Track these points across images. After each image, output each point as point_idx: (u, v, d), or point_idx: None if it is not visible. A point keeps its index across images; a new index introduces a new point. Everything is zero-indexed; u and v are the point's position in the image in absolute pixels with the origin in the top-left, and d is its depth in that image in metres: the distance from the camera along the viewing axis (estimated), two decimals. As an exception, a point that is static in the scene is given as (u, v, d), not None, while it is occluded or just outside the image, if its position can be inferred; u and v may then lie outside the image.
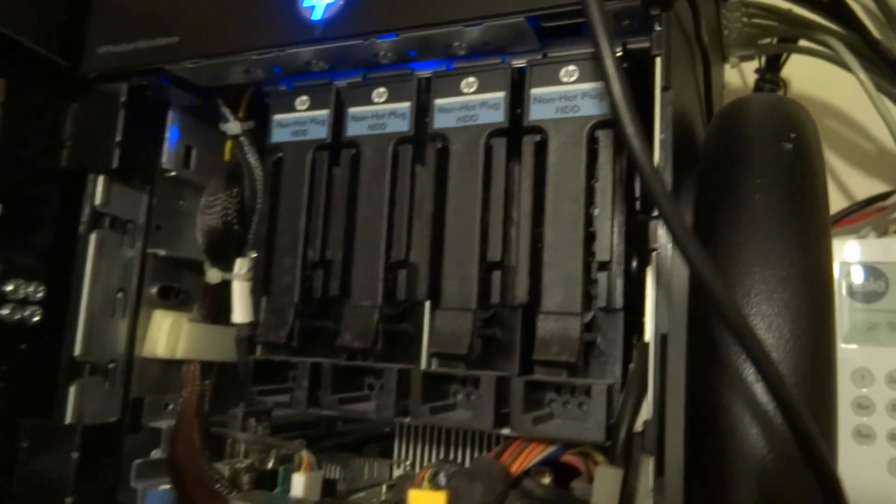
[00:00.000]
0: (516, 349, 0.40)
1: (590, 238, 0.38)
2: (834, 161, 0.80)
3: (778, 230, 0.30)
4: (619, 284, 0.38)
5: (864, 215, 0.66)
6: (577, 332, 0.36)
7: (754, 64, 0.78)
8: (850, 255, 0.49)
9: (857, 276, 0.50)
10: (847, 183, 0.79)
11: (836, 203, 0.62)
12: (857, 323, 0.49)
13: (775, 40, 0.74)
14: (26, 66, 0.45)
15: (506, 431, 0.38)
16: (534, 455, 0.40)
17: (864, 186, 0.77)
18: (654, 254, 0.33)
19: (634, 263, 0.39)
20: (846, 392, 0.47)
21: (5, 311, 0.43)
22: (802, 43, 0.72)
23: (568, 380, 0.37)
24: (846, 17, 0.64)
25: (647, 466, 0.32)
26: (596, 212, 0.38)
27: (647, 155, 0.24)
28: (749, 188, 0.31)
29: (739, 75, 0.84)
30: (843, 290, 0.49)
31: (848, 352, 0.48)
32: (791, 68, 0.77)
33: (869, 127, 0.80)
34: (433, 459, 0.51)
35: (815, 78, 0.79)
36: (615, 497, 0.33)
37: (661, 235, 0.33)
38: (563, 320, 0.36)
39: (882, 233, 0.62)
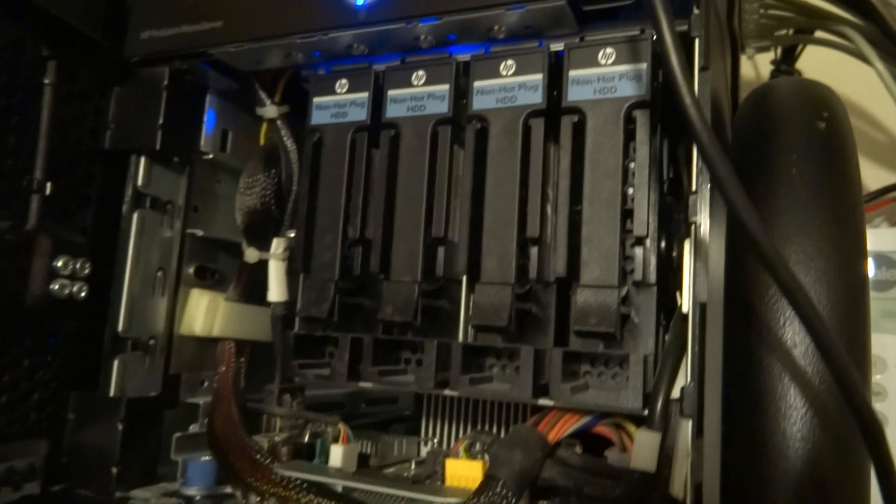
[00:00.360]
0: (551, 324, 0.41)
1: (625, 215, 0.39)
2: (848, 151, 0.81)
3: (814, 203, 0.32)
4: (652, 260, 0.39)
5: (876, 205, 0.67)
6: (615, 304, 0.37)
7: (768, 56, 0.79)
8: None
9: (870, 266, 0.51)
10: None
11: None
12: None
13: (791, 31, 0.75)
14: (73, 49, 0.46)
15: (544, 402, 0.40)
16: (569, 425, 0.41)
17: (877, 177, 0.78)
18: (692, 226, 0.34)
19: (663, 243, 0.40)
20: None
21: (56, 286, 0.44)
22: (819, 34, 0.73)
23: (606, 351, 0.38)
24: (864, 8, 0.65)
25: (686, 429, 0.34)
26: (630, 190, 0.39)
27: (705, 123, 0.25)
28: (785, 163, 0.33)
29: (753, 67, 0.85)
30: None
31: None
32: (803, 60, 0.78)
33: (881, 118, 0.82)
34: (459, 437, 0.52)
35: (826, 69, 0.80)
36: (654, 459, 0.35)
37: (700, 209, 0.34)
38: (601, 293, 0.38)
39: (895, 223, 0.63)
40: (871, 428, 0.24)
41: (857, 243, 0.31)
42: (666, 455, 0.35)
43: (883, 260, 0.52)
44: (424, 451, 0.53)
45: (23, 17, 0.43)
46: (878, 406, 0.49)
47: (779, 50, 0.77)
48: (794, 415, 0.29)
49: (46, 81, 0.44)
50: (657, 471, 0.35)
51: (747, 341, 0.31)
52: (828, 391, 0.29)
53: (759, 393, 0.30)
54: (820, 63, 0.78)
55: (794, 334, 0.30)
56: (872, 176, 0.79)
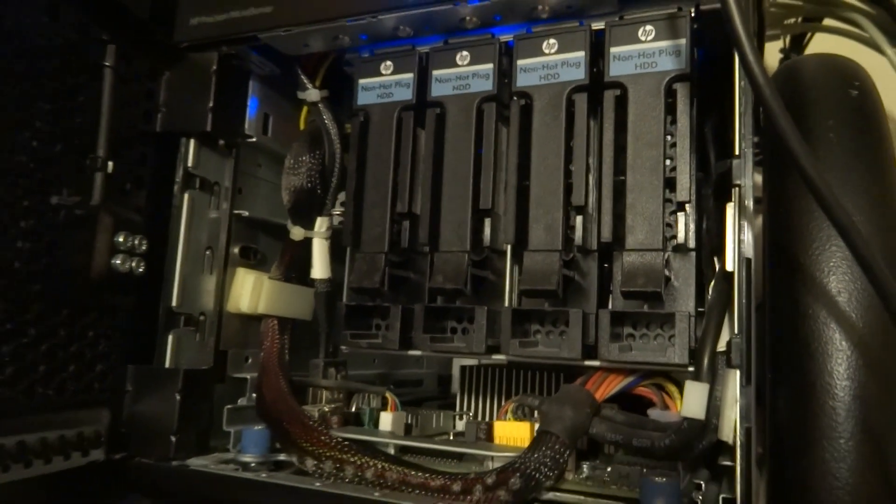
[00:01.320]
0: (593, 291, 0.44)
1: (665, 184, 0.41)
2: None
3: (852, 162, 0.34)
4: (692, 226, 0.41)
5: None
6: (661, 265, 0.39)
7: (777, 45, 0.81)
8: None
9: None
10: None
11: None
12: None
13: (800, 20, 0.77)
14: (128, 34, 0.48)
15: (591, 363, 0.42)
16: (614, 384, 0.43)
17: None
18: (737, 188, 0.36)
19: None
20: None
21: (117, 261, 0.46)
22: (828, 22, 0.75)
23: (652, 310, 0.40)
24: (874, -5, 0.67)
25: (734, 379, 0.36)
26: (668, 162, 0.41)
27: (766, 75, 0.28)
28: (824, 128, 0.35)
29: (760, 57, 0.87)
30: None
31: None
32: (811, 49, 0.81)
33: (891, 105, 0.84)
34: (490, 411, 0.54)
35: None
36: (703, 408, 0.37)
37: (744, 172, 0.36)
38: (646, 255, 0.40)
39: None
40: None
41: (890, 196, 0.33)
42: (714, 404, 0.37)
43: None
44: (460, 424, 0.55)
45: (86, 1, 0.45)
46: None
47: (787, 38, 0.80)
48: (840, 356, 0.31)
49: (107, 64, 0.46)
50: (706, 419, 0.37)
51: (793, 292, 0.33)
52: (871, 334, 0.31)
53: (807, 338, 0.32)
54: (828, 51, 0.81)
55: (837, 282, 0.32)
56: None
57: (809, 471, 0.31)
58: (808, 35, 0.79)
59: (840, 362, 0.31)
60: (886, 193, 0.33)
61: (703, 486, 0.40)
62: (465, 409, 0.56)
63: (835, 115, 0.36)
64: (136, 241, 0.48)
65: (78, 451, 0.44)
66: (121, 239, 0.46)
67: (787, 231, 0.35)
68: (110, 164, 0.46)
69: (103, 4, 0.46)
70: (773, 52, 0.81)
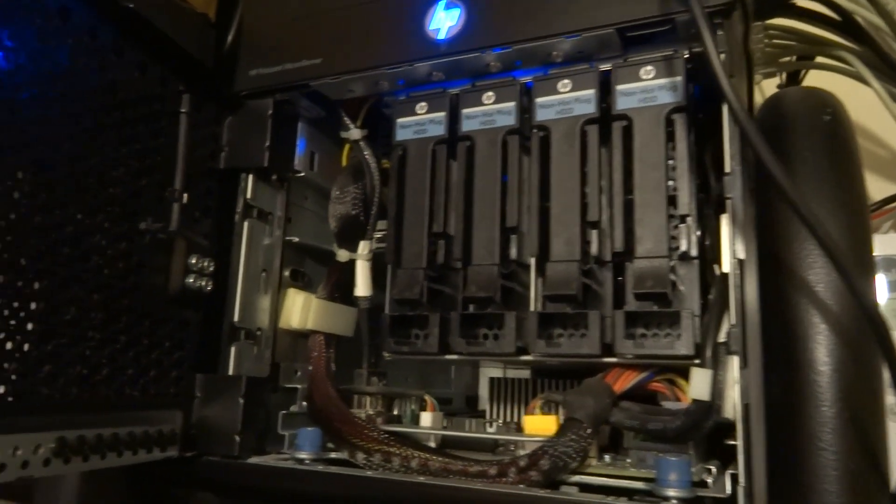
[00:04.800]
0: (608, 296, 0.49)
1: (669, 201, 0.47)
2: (852, 162, 0.89)
3: (824, 175, 0.40)
4: (693, 236, 0.47)
5: (881, 213, 0.76)
6: (667, 270, 0.45)
7: (774, 81, 0.88)
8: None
9: (880, 269, 0.58)
10: (864, 185, 0.88)
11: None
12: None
13: (794, 58, 0.84)
14: (199, 84, 0.56)
15: (608, 360, 0.48)
16: (631, 379, 0.49)
17: (880, 188, 0.85)
18: (729, 201, 0.43)
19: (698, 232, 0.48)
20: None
21: (190, 280, 0.53)
22: (819, 59, 0.82)
23: (660, 309, 0.46)
24: (858, 34, 0.73)
25: (733, 364, 0.41)
26: (671, 183, 0.48)
27: (741, 101, 0.34)
28: (800, 147, 0.41)
29: (759, 92, 0.94)
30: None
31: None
32: (806, 84, 0.87)
33: (881, 134, 0.90)
34: (516, 418, 0.60)
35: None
36: (708, 390, 0.42)
37: (734, 186, 0.43)
38: (654, 262, 0.46)
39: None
40: (878, 324, 0.32)
41: (857, 202, 0.39)
42: (718, 387, 0.42)
43: (892, 263, 0.59)
44: (490, 430, 0.60)
45: (168, 58, 0.53)
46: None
47: (784, 75, 0.86)
48: (820, 336, 0.37)
49: (183, 110, 0.53)
50: (711, 400, 0.42)
51: (779, 285, 0.39)
52: (845, 316, 0.37)
53: (792, 323, 0.38)
54: (822, 86, 0.87)
55: (815, 275, 0.38)
56: (876, 188, 0.87)
57: (798, 436, 0.36)
58: (803, 72, 0.85)
59: (820, 342, 0.37)
60: (853, 201, 0.39)
61: (713, 469, 0.45)
62: (493, 417, 0.62)
63: (809, 137, 0.42)
64: (205, 263, 0.54)
65: (158, 446, 0.50)
66: (193, 261, 0.53)
67: (773, 235, 0.41)
68: (185, 195, 0.53)
69: (180, 60, 0.54)
70: (771, 88, 0.87)
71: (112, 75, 0.48)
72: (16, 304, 0.40)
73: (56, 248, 0.43)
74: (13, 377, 0.40)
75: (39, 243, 0.42)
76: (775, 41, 0.81)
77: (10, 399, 0.40)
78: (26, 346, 0.41)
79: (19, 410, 0.40)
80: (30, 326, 0.41)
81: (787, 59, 0.84)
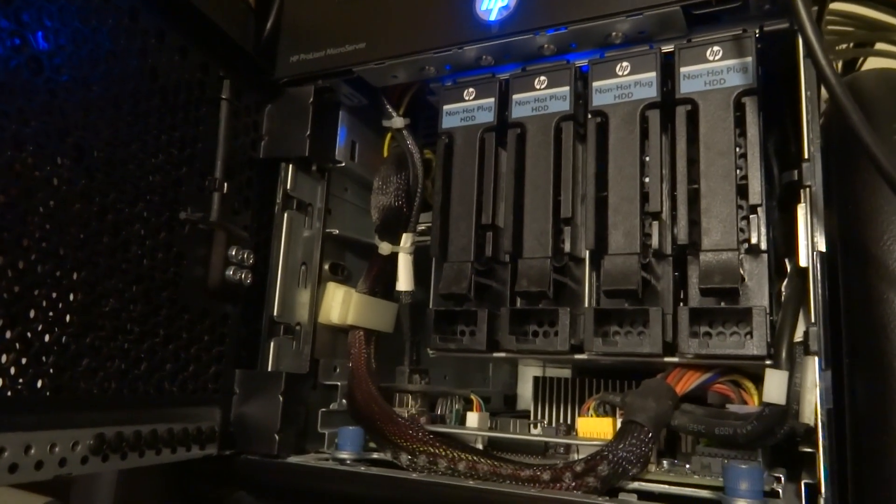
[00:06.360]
0: (668, 292, 0.46)
1: (738, 189, 0.44)
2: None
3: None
4: (764, 228, 0.44)
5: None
6: (736, 263, 0.42)
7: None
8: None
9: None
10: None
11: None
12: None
13: (852, 45, 0.80)
14: (240, 71, 0.54)
15: (670, 359, 0.45)
16: (693, 380, 0.46)
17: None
18: (808, 189, 0.40)
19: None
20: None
21: (230, 272, 0.51)
22: (879, 46, 0.78)
23: (729, 306, 0.43)
24: (926, 18, 0.70)
25: (813, 365, 0.38)
26: (738, 171, 0.45)
27: (838, 77, 0.31)
28: (889, 130, 0.38)
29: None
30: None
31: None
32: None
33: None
34: (562, 419, 0.57)
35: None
36: (783, 394, 0.39)
37: (814, 174, 0.39)
38: (722, 255, 0.43)
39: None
40: None
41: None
42: (794, 390, 0.39)
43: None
44: (535, 431, 0.58)
45: (209, 43, 0.51)
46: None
47: (840, 64, 0.82)
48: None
49: (224, 97, 0.51)
50: (787, 404, 0.39)
51: (866, 280, 0.36)
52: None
53: (882, 321, 0.35)
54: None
55: (909, 267, 0.35)
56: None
57: (888, 441, 0.33)
58: (861, 59, 0.81)
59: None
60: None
61: (783, 477, 0.42)
62: (538, 417, 0.59)
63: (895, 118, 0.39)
64: (245, 255, 0.53)
65: (196, 444, 0.48)
66: (233, 252, 0.51)
67: (859, 226, 0.37)
68: (226, 185, 0.51)
69: (221, 45, 0.52)
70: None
71: (153, 60, 0.46)
72: (54, 295, 0.39)
73: (96, 238, 0.42)
74: (51, 371, 0.39)
75: (79, 232, 0.40)
76: (832, 27, 0.77)
77: (47, 394, 0.38)
78: (64, 339, 0.39)
79: (57, 406, 0.39)
80: (68, 318, 0.40)
81: (844, 46, 0.80)
